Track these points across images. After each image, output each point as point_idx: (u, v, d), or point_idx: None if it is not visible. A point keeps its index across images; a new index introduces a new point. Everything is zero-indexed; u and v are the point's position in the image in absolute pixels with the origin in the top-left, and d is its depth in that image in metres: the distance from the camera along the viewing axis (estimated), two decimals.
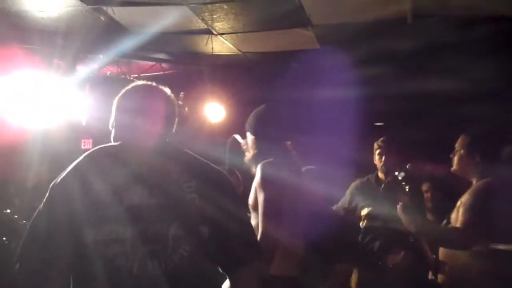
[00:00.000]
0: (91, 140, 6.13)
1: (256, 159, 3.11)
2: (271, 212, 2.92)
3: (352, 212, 4.13)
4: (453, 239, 3.36)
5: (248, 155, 3.19)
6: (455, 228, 3.31)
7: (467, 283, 3.32)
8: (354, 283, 4.28)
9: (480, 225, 3.18)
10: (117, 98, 2.25)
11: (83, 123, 6.14)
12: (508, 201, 3.18)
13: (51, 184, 2.19)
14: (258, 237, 2.85)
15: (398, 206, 3.62)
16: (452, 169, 3.54)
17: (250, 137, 3.20)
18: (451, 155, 3.53)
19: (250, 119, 3.22)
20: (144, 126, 2.19)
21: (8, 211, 4.67)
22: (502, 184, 3.28)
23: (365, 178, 4.50)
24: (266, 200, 2.93)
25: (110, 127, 2.24)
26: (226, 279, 2.35)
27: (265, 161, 3.04)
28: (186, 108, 6.71)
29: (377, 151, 4.45)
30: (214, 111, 7.08)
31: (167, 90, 2.30)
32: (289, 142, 3.20)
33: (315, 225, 3.11)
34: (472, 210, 3.22)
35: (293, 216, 3.00)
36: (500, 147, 3.47)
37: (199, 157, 2.31)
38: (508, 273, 3.13)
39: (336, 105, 6.16)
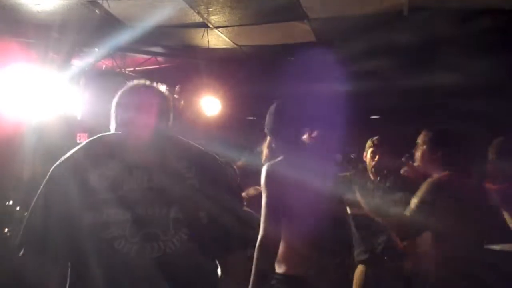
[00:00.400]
0: (86, 134, 6.10)
1: (269, 158, 3.13)
2: (272, 213, 2.93)
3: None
4: (397, 227, 3.41)
5: (263, 155, 3.21)
6: (399, 217, 3.35)
7: (427, 271, 3.36)
8: (357, 276, 4.26)
9: (422, 216, 3.21)
10: (115, 98, 2.31)
11: (78, 117, 6.12)
12: (458, 196, 3.21)
13: (51, 169, 2.22)
14: (259, 238, 2.87)
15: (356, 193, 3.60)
16: (415, 164, 3.57)
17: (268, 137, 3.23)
18: (413, 150, 3.56)
19: (266, 118, 3.22)
20: (138, 120, 2.26)
21: (11, 202, 4.67)
22: (456, 179, 3.31)
23: (357, 173, 4.48)
24: (267, 202, 2.95)
25: (110, 128, 2.31)
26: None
27: (271, 161, 3.05)
28: (182, 102, 6.69)
29: (370, 149, 4.43)
30: (210, 104, 7.07)
31: (162, 87, 2.37)
32: (305, 138, 3.21)
33: (321, 224, 3.12)
34: (416, 202, 3.26)
35: (297, 217, 3.01)
36: (462, 143, 3.50)
37: (197, 145, 2.36)
38: (462, 260, 3.16)
39: (333, 98, 6.15)
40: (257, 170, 3.11)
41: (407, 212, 3.29)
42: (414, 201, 3.28)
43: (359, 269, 4.28)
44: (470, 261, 3.15)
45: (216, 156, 2.39)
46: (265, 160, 3.18)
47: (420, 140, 3.53)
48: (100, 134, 2.32)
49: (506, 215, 3.75)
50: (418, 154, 3.53)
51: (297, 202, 2.98)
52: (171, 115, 2.36)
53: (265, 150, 3.20)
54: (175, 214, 2.14)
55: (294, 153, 3.09)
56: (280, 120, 3.16)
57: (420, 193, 3.30)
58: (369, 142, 4.49)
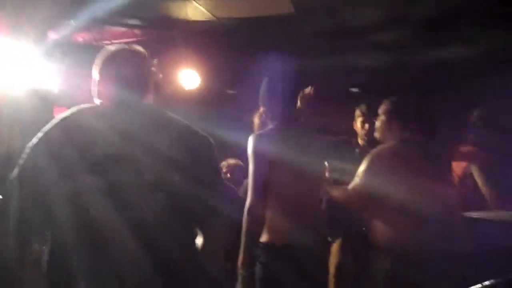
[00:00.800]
0: (64, 108, 6.03)
1: (260, 128, 3.25)
2: (258, 182, 3.11)
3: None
4: (343, 200, 3.47)
5: (255, 124, 3.33)
6: (345, 190, 3.41)
7: (375, 246, 3.46)
8: (334, 251, 4.27)
9: (365, 187, 3.29)
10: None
11: (55, 91, 6.03)
12: (400, 166, 3.26)
13: (28, 149, 2.27)
14: (246, 206, 2.92)
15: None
16: (374, 134, 3.62)
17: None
18: (375, 120, 3.60)
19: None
20: (107, 89, 2.39)
21: None
22: (401, 150, 3.35)
23: (345, 138, 4.48)
24: (253, 171, 3.12)
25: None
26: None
27: (257, 132, 3.16)
28: (160, 75, 6.62)
29: (360, 119, 4.43)
30: (189, 78, 7.00)
31: (135, 51, 2.47)
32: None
33: (304, 196, 3.19)
34: (359, 174, 3.32)
35: (281, 187, 3.07)
36: (419, 115, 3.53)
37: (176, 117, 2.41)
38: (401, 226, 3.25)
39: (313, 72, 6.13)
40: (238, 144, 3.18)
41: (352, 184, 3.34)
42: (358, 173, 3.33)
43: (336, 244, 4.32)
44: (418, 232, 3.18)
45: (197, 129, 2.42)
46: (256, 129, 3.29)
47: (380, 110, 3.56)
48: (74, 107, 2.39)
49: (480, 182, 3.80)
50: (377, 124, 3.56)
51: (280, 173, 3.06)
52: (150, 82, 2.46)
53: (256, 121, 3.31)
54: (149, 181, 2.17)
55: (282, 125, 3.17)
56: (268, 93, 3.25)
57: (363, 164, 3.34)
58: (357, 111, 4.48)
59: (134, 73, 2.39)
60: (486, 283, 2.10)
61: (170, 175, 2.20)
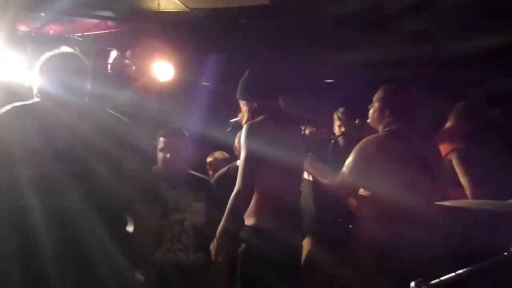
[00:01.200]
0: None
1: (250, 120, 3.32)
2: (249, 169, 3.19)
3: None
4: (329, 187, 3.54)
5: (244, 118, 3.41)
6: (332, 180, 3.48)
7: (357, 228, 3.54)
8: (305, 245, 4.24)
9: (355, 175, 3.33)
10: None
11: (26, 85, 5.95)
12: (389, 155, 3.27)
13: None
14: (236, 190, 3.17)
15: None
16: (367, 120, 3.63)
17: (242, 104, 3.48)
18: (369, 107, 3.61)
19: (239, 87, 3.47)
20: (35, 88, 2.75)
21: None
22: (388, 142, 3.36)
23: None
24: (245, 158, 3.21)
25: None
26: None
27: (250, 122, 3.33)
28: (134, 67, 6.57)
29: (337, 123, 4.50)
30: (163, 70, 6.94)
31: (72, 55, 2.81)
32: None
33: (291, 185, 3.43)
34: (349, 161, 3.37)
35: (271, 174, 3.24)
36: (411, 104, 3.55)
37: (107, 110, 2.68)
38: (385, 216, 3.26)
39: (289, 63, 6.13)
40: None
41: (342, 171, 3.36)
42: (348, 160, 3.34)
43: (308, 238, 4.33)
44: (400, 226, 3.18)
45: (123, 119, 2.70)
46: (246, 120, 3.37)
47: (374, 98, 3.56)
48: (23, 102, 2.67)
49: (460, 173, 3.81)
50: (371, 111, 3.57)
51: (271, 162, 3.20)
52: (86, 82, 2.73)
53: (245, 114, 3.37)
54: (80, 171, 2.39)
55: (272, 116, 3.25)
56: (252, 85, 3.31)
57: (351, 154, 3.35)
58: (334, 116, 4.55)
59: (71, 75, 2.65)
60: (460, 271, 2.11)
61: (95, 166, 2.41)
